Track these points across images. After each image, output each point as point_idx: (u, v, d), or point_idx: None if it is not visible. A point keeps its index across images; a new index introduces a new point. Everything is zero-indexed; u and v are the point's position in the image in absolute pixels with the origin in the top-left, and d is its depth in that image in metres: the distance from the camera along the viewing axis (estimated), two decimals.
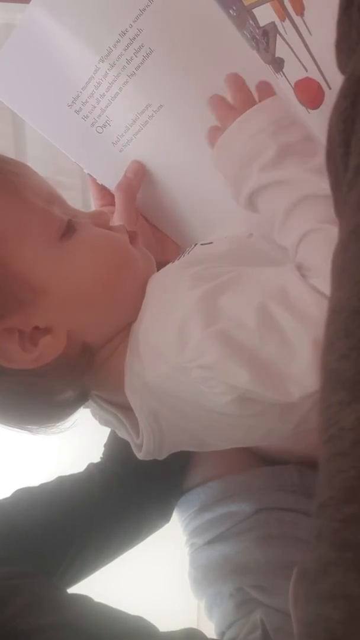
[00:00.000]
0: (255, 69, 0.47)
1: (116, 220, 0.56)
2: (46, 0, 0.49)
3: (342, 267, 0.23)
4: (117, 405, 0.43)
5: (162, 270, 0.43)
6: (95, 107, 0.54)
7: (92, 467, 0.60)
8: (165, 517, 0.61)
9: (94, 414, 0.48)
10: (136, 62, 0.50)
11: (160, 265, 0.46)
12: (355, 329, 0.21)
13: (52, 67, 0.52)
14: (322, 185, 0.36)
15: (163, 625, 0.43)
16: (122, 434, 0.44)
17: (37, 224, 0.38)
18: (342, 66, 0.27)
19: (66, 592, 0.37)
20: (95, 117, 0.55)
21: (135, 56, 0.50)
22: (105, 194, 0.61)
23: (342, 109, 0.24)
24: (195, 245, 0.47)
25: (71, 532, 0.52)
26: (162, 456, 0.42)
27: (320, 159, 0.37)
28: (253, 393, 0.34)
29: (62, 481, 0.57)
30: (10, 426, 0.41)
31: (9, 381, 0.37)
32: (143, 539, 0.60)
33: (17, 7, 0.65)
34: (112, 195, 0.59)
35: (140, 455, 0.42)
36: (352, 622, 0.18)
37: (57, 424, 0.43)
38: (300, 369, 0.33)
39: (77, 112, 0.55)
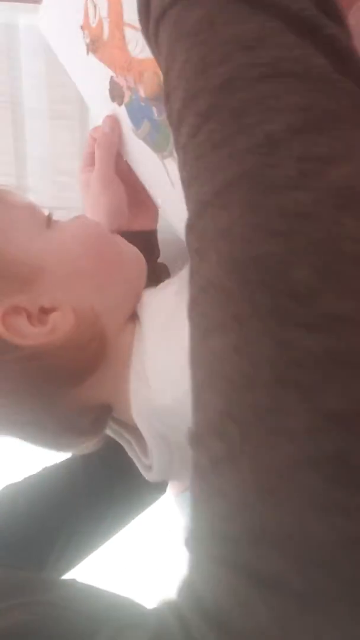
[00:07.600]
0: None
1: (94, 178, 0.56)
2: None
3: None
4: (123, 424, 0.44)
5: (159, 292, 0.44)
6: None
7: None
8: (157, 489, 0.61)
9: None
10: None
11: (131, 234, 0.48)
12: None
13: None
14: None
15: None
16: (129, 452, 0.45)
17: (22, 215, 0.41)
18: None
19: (49, 577, 0.37)
20: None
21: None
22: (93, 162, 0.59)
23: None
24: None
25: (57, 520, 0.53)
26: (171, 478, 0.42)
27: None
28: None
29: (45, 471, 0.57)
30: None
31: (27, 370, 0.37)
32: (136, 515, 0.60)
33: (16, 7, 0.65)
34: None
35: (150, 477, 0.42)
36: None
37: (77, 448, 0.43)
38: None
39: None
